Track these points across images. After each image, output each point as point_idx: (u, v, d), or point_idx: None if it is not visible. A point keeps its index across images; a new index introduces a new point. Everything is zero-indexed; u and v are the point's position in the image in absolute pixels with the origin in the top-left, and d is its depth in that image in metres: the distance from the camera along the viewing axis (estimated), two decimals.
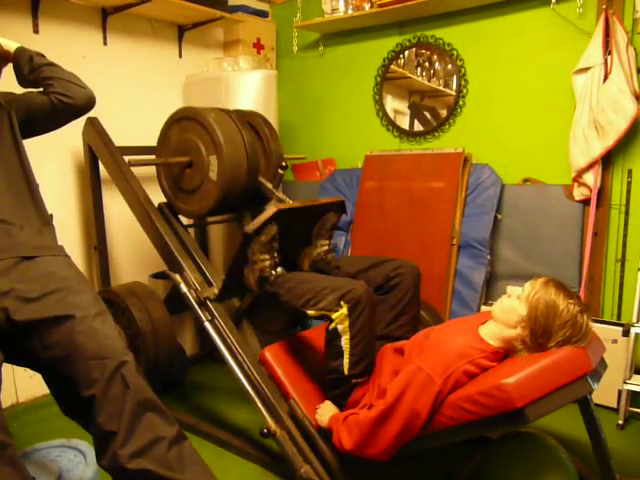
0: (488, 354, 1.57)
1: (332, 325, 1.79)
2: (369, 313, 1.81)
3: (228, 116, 2.46)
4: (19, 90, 1.84)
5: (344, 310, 1.77)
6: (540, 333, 1.51)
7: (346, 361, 1.80)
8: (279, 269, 2.06)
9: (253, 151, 2.45)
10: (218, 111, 2.46)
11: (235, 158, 2.36)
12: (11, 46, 1.81)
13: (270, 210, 2.00)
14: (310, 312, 1.86)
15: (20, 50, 1.81)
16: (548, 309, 1.50)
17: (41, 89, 1.81)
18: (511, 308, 1.58)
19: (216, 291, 2.20)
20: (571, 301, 1.50)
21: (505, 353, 1.60)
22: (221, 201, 2.38)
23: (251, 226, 1.99)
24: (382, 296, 2.05)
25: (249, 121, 2.64)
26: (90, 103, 1.87)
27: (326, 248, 2.29)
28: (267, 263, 2.04)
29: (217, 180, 2.33)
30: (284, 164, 2.67)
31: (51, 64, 1.83)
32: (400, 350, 1.81)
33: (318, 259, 2.27)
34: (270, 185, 2.57)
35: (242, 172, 2.39)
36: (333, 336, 1.81)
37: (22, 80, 1.84)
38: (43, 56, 1.86)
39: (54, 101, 1.77)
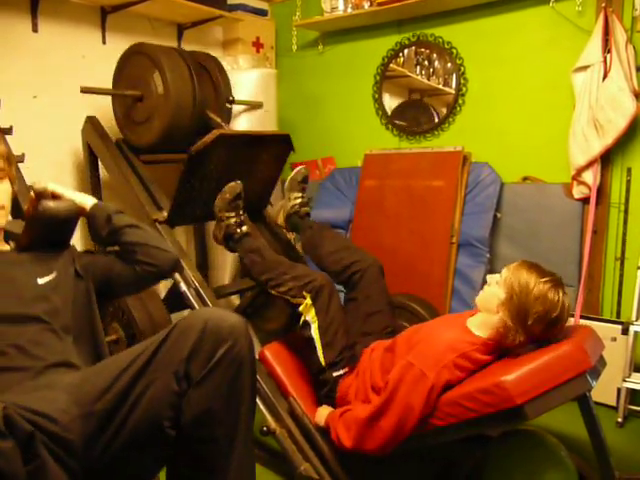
0: (479, 346, 1.58)
1: (302, 319, 1.90)
2: (334, 300, 1.92)
3: (176, 52, 2.62)
4: None
5: (308, 300, 1.88)
6: (516, 312, 1.53)
7: (320, 350, 1.87)
8: (244, 227, 2.16)
9: (200, 84, 2.60)
10: (167, 48, 2.65)
11: (179, 78, 2.51)
12: (86, 203, 1.62)
13: (214, 132, 2.12)
14: (272, 292, 2.00)
15: (96, 208, 1.62)
16: (521, 288, 1.53)
17: (117, 249, 1.64)
18: (491, 294, 1.61)
19: (165, 214, 2.30)
20: (543, 279, 1.53)
21: (496, 344, 1.60)
22: (168, 131, 2.51)
23: (195, 147, 2.08)
24: (349, 292, 2.13)
25: (198, 59, 2.76)
26: (174, 268, 1.72)
27: (299, 201, 2.38)
28: (232, 220, 2.16)
29: (164, 98, 2.48)
30: (231, 98, 2.80)
31: (132, 225, 1.63)
32: (390, 346, 1.82)
33: (292, 212, 2.37)
34: (219, 119, 2.65)
35: (188, 103, 2.54)
36: (305, 329, 1.90)
37: (98, 239, 1.66)
38: (122, 213, 1.66)
39: (137, 270, 1.59)
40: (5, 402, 1.06)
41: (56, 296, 1.45)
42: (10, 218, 1.55)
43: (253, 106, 3.02)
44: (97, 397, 1.21)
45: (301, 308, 1.90)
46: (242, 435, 1.27)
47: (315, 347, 1.87)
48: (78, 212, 1.59)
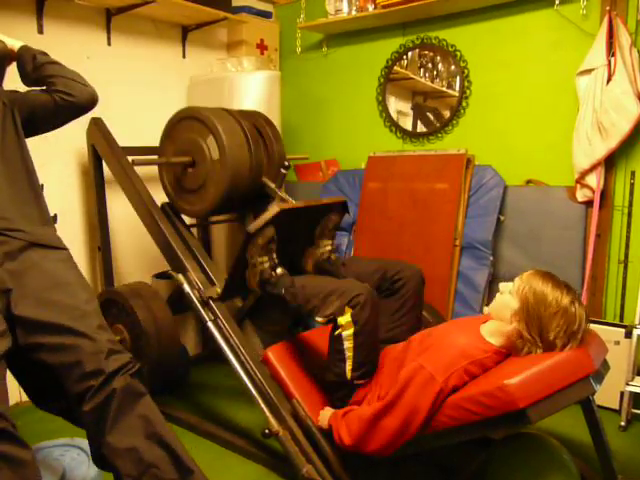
0: (491, 354, 1.57)
1: (337, 331, 1.81)
2: (373, 318, 1.83)
3: (230, 114, 2.47)
4: (23, 88, 1.85)
5: (348, 317, 1.79)
6: (534, 324, 1.51)
7: (349, 367, 1.81)
8: (279, 270, 2.08)
9: (256, 149, 2.46)
10: (220, 110, 2.48)
11: (237, 154, 2.37)
12: (15, 45, 1.82)
13: (273, 209, 2.01)
14: (319, 319, 1.87)
15: (24, 49, 1.82)
16: (537, 299, 1.52)
17: (44, 87, 1.81)
18: (504, 303, 1.60)
19: (219, 290, 2.21)
20: (559, 291, 1.51)
21: (507, 352, 1.60)
22: (224, 199, 2.39)
23: (254, 225, 2.00)
24: (385, 299, 2.06)
25: (252, 121, 2.65)
26: (92, 101, 1.87)
27: (329, 248, 2.30)
28: (266, 265, 2.06)
29: (220, 162, 2.35)
30: (287, 164, 2.67)
31: (54, 62, 1.84)
32: (403, 349, 1.81)
33: (321, 260, 2.28)
34: (273, 185, 2.58)
35: (245, 170, 2.41)
36: (337, 341, 1.82)
37: (25, 78, 1.84)
38: (46, 55, 1.86)
39: (57, 99, 1.78)
40: None
41: None
42: None
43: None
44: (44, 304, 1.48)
45: (340, 321, 1.81)
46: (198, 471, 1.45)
47: (344, 361, 1.81)
48: (7, 53, 1.79)
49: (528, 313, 1.52)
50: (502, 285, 1.66)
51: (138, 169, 2.47)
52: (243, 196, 2.47)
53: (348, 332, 1.79)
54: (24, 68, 1.81)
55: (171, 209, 2.56)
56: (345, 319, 1.79)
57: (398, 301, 2.05)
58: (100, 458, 1.47)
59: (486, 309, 1.71)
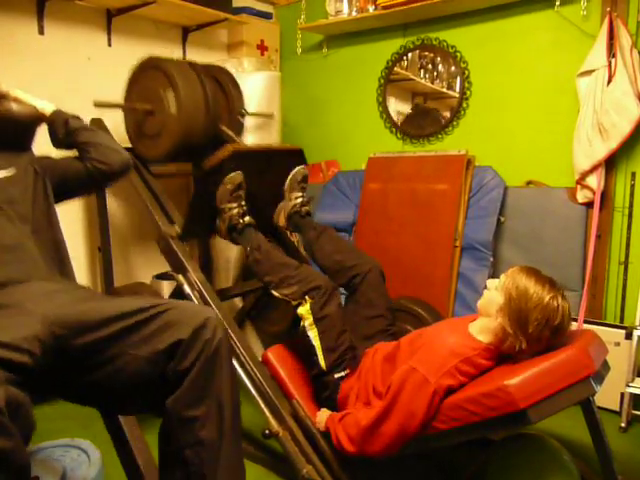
0: (480, 351, 1.58)
1: (301, 323, 1.89)
2: (335, 305, 1.91)
3: (189, 65, 2.58)
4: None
5: (307, 307, 1.88)
6: (515, 317, 1.52)
7: (320, 355, 1.87)
8: (247, 218, 2.17)
9: (212, 94, 2.57)
10: (179, 60, 2.62)
11: (193, 97, 2.47)
12: (46, 108, 1.76)
13: (227, 148, 2.11)
14: (274, 294, 1.99)
15: (56, 113, 1.77)
16: (519, 294, 1.53)
17: (76, 153, 1.76)
18: (490, 299, 1.61)
19: (178, 229, 2.29)
20: (541, 285, 1.52)
21: (497, 350, 1.60)
22: (182, 140, 2.48)
23: (208, 162, 2.08)
24: (350, 295, 2.14)
25: (213, 74, 2.74)
26: (126, 168, 1.81)
27: (300, 200, 2.38)
28: (235, 211, 2.15)
29: (176, 116, 2.44)
30: (243, 111, 2.79)
31: (88, 128, 1.79)
32: (393, 350, 1.82)
33: (293, 212, 2.36)
34: (231, 133, 2.64)
35: (200, 112, 2.50)
36: (303, 334, 1.90)
37: (56, 142, 1.79)
38: (79, 119, 1.81)
39: (90, 168, 1.73)
40: None
41: (14, 189, 1.54)
42: None
43: (265, 117, 3.00)
44: (76, 333, 1.23)
45: (300, 311, 1.90)
46: (228, 436, 1.29)
47: (315, 352, 1.87)
48: (39, 117, 1.73)
49: (510, 307, 1.53)
50: (489, 282, 1.68)
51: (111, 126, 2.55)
52: (201, 142, 2.55)
53: (309, 321, 1.88)
54: (56, 133, 1.76)
55: (135, 157, 2.61)
56: (304, 309, 1.89)
57: (363, 297, 2.10)
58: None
59: None
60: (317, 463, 1.77)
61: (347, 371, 1.88)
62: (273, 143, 2.84)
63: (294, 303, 1.93)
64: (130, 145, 2.67)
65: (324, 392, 1.90)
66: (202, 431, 1.26)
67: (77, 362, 1.24)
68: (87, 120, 2.62)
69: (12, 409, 0.99)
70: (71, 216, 2.83)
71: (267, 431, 1.83)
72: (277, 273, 2.01)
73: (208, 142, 2.58)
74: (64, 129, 1.74)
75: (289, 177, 2.38)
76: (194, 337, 1.25)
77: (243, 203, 2.18)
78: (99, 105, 2.43)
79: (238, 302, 3.09)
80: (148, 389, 1.29)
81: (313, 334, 1.87)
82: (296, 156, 2.42)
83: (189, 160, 2.88)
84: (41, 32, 2.66)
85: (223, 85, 2.76)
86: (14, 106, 1.65)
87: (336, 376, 1.87)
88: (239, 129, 2.81)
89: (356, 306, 2.10)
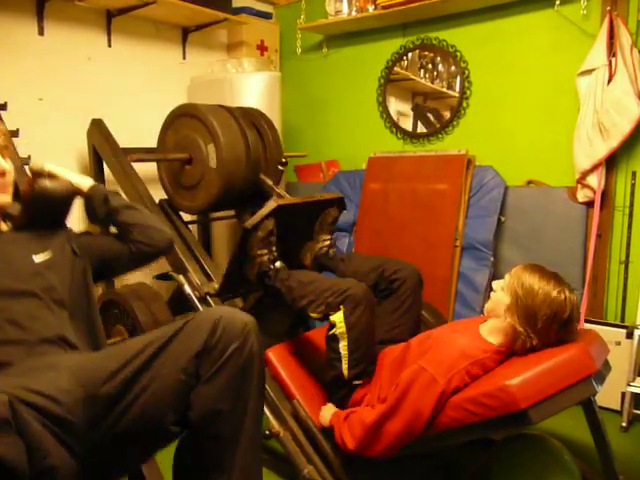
0: (491, 354, 1.57)
1: (332, 330, 1.82)
2: (368, 316, 1.84)
3: (226, 111, 2.50)
4: None
5: (340, 315, 1.81)
6: (524, 315, 1.52)
7: (345, 365, 1.82)
8: (278, 263, 2.09)
9: (253, 144, 2.49)
10: (216, 107, 2.50)
11: (233, 148, 2.40)
12: (82, 183, 1.64)
13: (270, 205, 2.03)
14: (313, 315, 1.90)
15: (94, 189, 1.65)
16: (525, 291, 1.53)
17: (116, 230, 1.67)
18: (497, 300, 1.61)
19: (216, 286, 2.22)
20: (546, 281, 1.53)
21: (508, 351, 1.60)
22: (221, 195, 2.42)
23: (251, 221, 2.03)
24: (383, 299, 2.06)
25: (250, 118, 2.66)
26: (169, 247, 1.73)
27: (328, 243, 2.32)
28: (265, 258, 2.08)
29: (216, 168, 2.36)
30: (284, 160, 2.70)
31: (128, 206, 1.68)
32: (402, 351, 1.81)
33: (320, 254, 2.29)
34: (270, 182, 2.60)
35: (241, 164, 2.43)
36: (332, 340, 1.84)
37: (94, 219, 1.69)
38: (118, 195, 1.71)
39: (133, 249, 1.63)
40: (7, 387, 1.06)
41: (52, 273, 1.47)
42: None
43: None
44: (102, 381, 1.21)
45: (333, 318, 1.83)
46: (249, 433, 1.28)
47: (340, 360, 1.82)
48: (75, 193, 1.62)
49: (518, 306, 1.54)
50: (495, 283, 1.68)
51: (137, 168, 2.47)
52: (240, 194, 2.49)
53: (342, 330, 1.81)
54: (94, 210, 1.64)
55: (169, 206, 2.58)
56: (338, 317, 1.81)
57: (396, 301, 2.04)
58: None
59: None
60: (318, 463, 1.77)
61: (365, 379, 1.85)
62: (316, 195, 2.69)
63: (332, 316, 1.83)
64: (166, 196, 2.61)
65: (336, 395, 1.88)
66: (225, 426, 1.25)
67: (108, 409, 1.21)
68: (87, 121, 2.64)
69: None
70: (72, 216, 2.83)
71: (268, 431, 1.83)
72: (313, 290, 1.92)
73: (248, 191, 2.53)
74: (104, 207, 1.63)
75: (320, 218, 2.31)
76: (212, 336, 1.24)
77: (274, 249, 2.10)
78: (136, 160, 2.36)
79: (239, 302, 3.09)
80: (181, 403, 1.26)
81: (343, 343, 1.82)
82: (336, 203, 2.33)
83: (228, 209, 2.83)
84: (41, 33, 2.66)
85: (261, 131, 2.67)
86: (48, 183, 1.53)
87: (354, 383, 1.84)
88: (278, 177, 2.73)
89: (385, 311, 2.04)
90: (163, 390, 1.23)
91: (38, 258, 1.46)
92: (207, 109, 2.41)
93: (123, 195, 1.71)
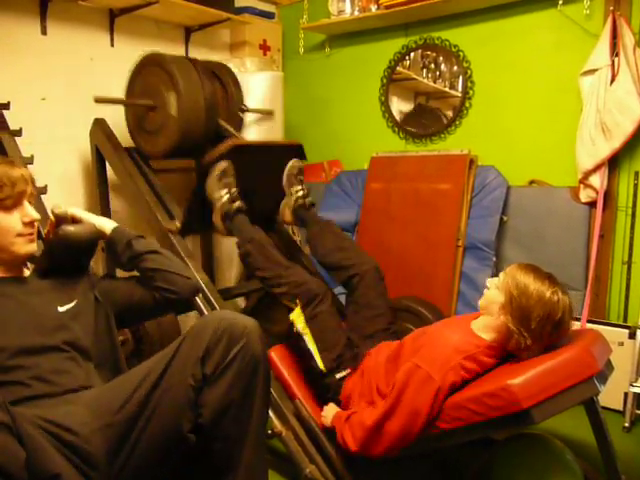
0: (483, 349, 1.58)
1: (294, 329, 1.89)
2: (326, 305, 1.91)
3: (190, 62, 2.59)
4: None
5: (298, 310, 1.88)
6: (518, 315, 1.52)
7: (318, 358, 1.86)
8: (237, 203, 2.16)
9: (212, 91, 2.60)
10: (182, 58, 2.64)
11: (193, 95, 2.49)
12: (105, 226, 1.62)
13: (228, 142, 2.14)
14: (268, 289, 2.03)
15: (116, 232, 1.62)
16: (520, 291, 1.53)
17: (138, 275, 1.64)
18: (491, 298, 1.62)
19: (178, 224, 2.30)
20: (541, 281, 1.53)
21: (500, 347, 1.60)
22: (182, 139, 2.49)
23: (208, 156, 2.10)
24: (348, 297, 2.16)
25: (213, 70, 2.75)
26: (193, 294, 1.71)
27: (301, 193, 2.40)
28: (225, 198, 2.15)
29: (177, 118, 2.45)
30: (244, 107, 2.81)
31: (153, 251, 1.63)
32: (396, 349, 1.81)
33: (297, 206, 2.38)
34: (230, 128, 2.66)
35: (200, 110, 2.52)
36: (298, 339, 1.90)
37: (117, 264, 1.68)
38: (142, 238, 1.66)
39: (157, 297, 1.59)
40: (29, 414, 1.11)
41: (76, 324, 1.45)
42: None
43: (264, 113, 3.01)
44: (117, 409, 1.24)
45: (291, 317, 1.90)
46: (254, 433, 1.29)
47: (312, 354, 1.87)
48: (98, 237, 1.59)
49: (512, 305, 1.54)
50: (489, 280, 1.69)
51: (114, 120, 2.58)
52: (201, 138, 2.57)
53: (302, 324, 1.87)
54: (117, 254, 1.61)
55: (136, 152, 2.65)
56: (295, 314, 1.89)
57: (362, 297, 2.09)
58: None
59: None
60: (320, 463, 1.77)
61: (348, 370, 1.88)
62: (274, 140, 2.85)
63: (285, 302, 1.94)
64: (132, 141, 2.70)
65: (327, 394, 1.90)
66: (233, 426, 1.27)
67: (126, 434, 1.23)
68: (89, 120, 2.65)
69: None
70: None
71: (270, 431, 1.83)
72: (269, 270, 2.02)
73: (208, 139, 2.60)
74: (128, 251, 1.60)
75: (285, 173, 2.39)
76: (215, 339, 1.26)
77: (233, 190, 2.17)
78: (100, 101, 2.43)
79: (241, 302, 3.09)
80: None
81: (308, 337, 1.87)
82: (295, 151, 2.43)
83: (191, 157, 2.89)
84: (44, 32, 2.67)
85: (223, 82, 2.78)
86: (72, 228, 1.51)
87: (337, 376, 1.87)
88: (239, 125, 2.83)
89: (356, 306, 2.11)
90: (176, 401, 1.24)
91: (62, 308, 1.45)
92: (171, 59, 2.52)
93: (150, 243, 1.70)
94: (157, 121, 2.54)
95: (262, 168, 2.33)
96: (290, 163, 2.40)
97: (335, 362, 1.86)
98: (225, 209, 2.15)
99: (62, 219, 1.51)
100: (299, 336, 1.89)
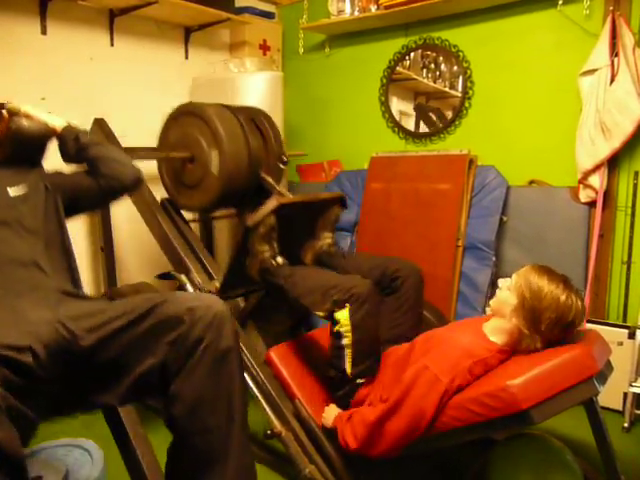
0: (494, 353, 1.57)
1: (336, 327, 1.81)
2: (372, 314, 1.83)
3: (229, 111, 2.49)
4: None
5: (346, 312, 1.79)
6: (530, 317, 1.52)
7: (349, 362, 1.81)
8: (279, 259, 2.10)
9: (255, 145, 2.50)
10: (219, 106, 2.49)
11: (236, 152, 2.40)
12: (56, 123, 1.76)
13: (272, 203, 2.04)
14: (318, 314, 1.88)
15: (66, 129, 1.77)
16: (532, 294, 1.52)
17: (86, 168, 1.77)
18: (503, 300, 1.60)
19: (217, 284, 2.22)
20: (555, 284, 1.52)
21: (511, 350, 1.59)
22: (222, 195, 2.42)
23: (252, 218, 2.03)
24: (384, 298, 2.05)
25: (250, 116, 2.66)
26: (137, 183, 1.82)
27: (329, 241, 2.32)
28: (267, 254, 2.08)
29: (218, 174, 2.37)
30: (285, 159, 2.71)
31: (97, 144, 1.79)
32: (406, 351, 1.81)
33: (321, 252, 2.29)
34: (271, 180, 2.60)
35: (243, 166, 2.43)
36: (336, 337, 1.83)
37: (67, 158, 1.80)
38: (89, 133, 1.83)
39: (101, 184, 1.73)
40: None
41: (25, 207, 1.56)
42: None
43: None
44: (84, 331, 1.27)
45: (337, 315, 1.81)
46: (238, 423, 1.30)
47: (344, 357, 1.82)
48: (49, 132, 1.74)
49: (524, 308, 1.53)
50: (501, 281, 1.66)
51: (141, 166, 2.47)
52: (241, 191, 2.50)
53: (347, 328, 1.80)
54: (66, 149, 1.77)
55: (170, 205, 2.58)
56: (343, 315, 1.80)
57: (398, 300, 2.04)
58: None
59: (488, 310, 1.71)
60: (320, 463, 1.77)
61: (368, 378, 1.85)
62: (318, 193, 2.66)
63: (337, 313, 1.82)
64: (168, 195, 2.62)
65: (339, 391, 1.87)
66: (211, 418, 1.26)
67: (83, 363, 1.27)
68: (90, 120, 2.64)
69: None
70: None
71: (269, 431, 1.84)
72: (318, 288, 1.90)
73: (250, 190, 2.54)
74: (75, 145, 1.74)
75: (323, 216, 2.31)
76: (192, 322, 1.27)
77: (275, 245, 2.11)
78: (138, 158, 2.32)
79: (240, 302, 3.09)
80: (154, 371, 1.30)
81: (347, 341, 1.81)
82: (337, 202, 2.33)
83: (231, 207, 2.84)
84: (44, 32, 2.67)
85: (263, 132, 2.66)
86: (25, 122, 1.67)
87: (358, 382, 1.84)
88: (279, 176, 2.73)
89: (386, 307, 2.03)
90: (137, 351, 1.29)
91: (13, 192, 1.56)
92: (214, 112, 2.40)
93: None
94: (196, 175, 2.44)
95: (303, 220, 2.25)
96: (331, 209, 2.31)
97: (363, 371, 1.83)
98: (265, 265, 2.08)
99: (15, 114, 1.66)
100: (339, 335, 1.81)
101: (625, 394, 2.36)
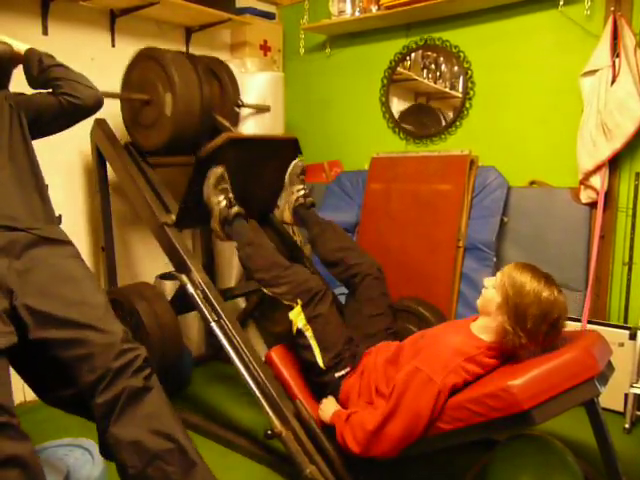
0: (483, 350, 1.58)
1: (294, 327, 1.89)
2: (325, 303, 1.92)
3: (188, 59, 2.62)
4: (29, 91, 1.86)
5: (298, 309, 1.89)
6: (514, 314, 1.52)
7: (318, 354, 1.87)
8: (235, 208, 2.19)
9: (208, 91, 2.63)
10: (179, 53, 2.66)
11: (189, 96, 2.53)
12: (21, 47, 1.83)
13: (222, 136, 2.15)
14: (266, 291, 2.01)
15: (30, 51, 1.83)
16: (516, 291, 1.53)
17: (50, 90, 1.83)
18: (488, 298, 1.62)
19: (173, 217, 2.32)
20: (537, 281, 1.53)
21: (500, 347, 1.60)
22: (175, 135, 2.54)
23: (204, 149, 2.14)
24: (348, 296, 2.18)
25: (209, 66, 2.78)
26: (98, 103, 1.89)
27: (302, 192, 2.43)
28: (223, 204, 2.17)
29: (171, 115, 2.50)
30: (240, 102, 2.85)
31: (60, 65, 1.86)
32: (396, 350, 1.81)
33: (297, 205, 2.41)
34: (227, 123, 2.69)
35: (195, 109, 2.57)
36: (299, 337, 1.90)
37: (31, 81, 1.86)
38: (52, 57, 1.88)
39: (62, 102, 1.80)
40: None
41: None
42: None
43: (261, 109, 3.02)
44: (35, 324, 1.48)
45: (290, 316, 1.91)
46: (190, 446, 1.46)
47: (313, 351, 1.88)
48: (14, 55, 1.81)
49: (508, 305, 1.54)
50: (486, 280, 1.68)
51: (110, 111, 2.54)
52: (195, 134, 2.61)
53: (303, 322, 1.89)
54: (30, 71, 1.83)
55: (134, 148, 2.68)
56: (295, 313, 1.90)
57: (363, 296, 2.12)
58: (106, 448, 1.50)
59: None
60: (320, 463, 1.77)
61: (347, 369, 1.89)
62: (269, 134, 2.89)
63: (285, 303, 1.95)
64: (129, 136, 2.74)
65: (325, 392, 1.91)
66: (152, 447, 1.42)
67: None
68: (90, 120, 2.64)
69: None
70: (74, 215, 2.84)
71: (270, 431, 1.84)
72: (268, 271, 2.02)
73: (205, 134, 2.62)
74: (38, 67, 1.81)
75: (288, 171, 2.43)
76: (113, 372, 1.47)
77: (230, 196, 2.19)
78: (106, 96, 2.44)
79: (241, 302, 3.09)
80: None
81: (309, 334, 1.88)
82: (291, 146, 2.46)
83: (188, 153, 2.87)
84: (45, 33, 2.67)
85: (220, 78, 2.81)
86: None
87: (336, 375, 1.88)
88: (235, 121, 2.87)
89: (357, 304, 2.12)
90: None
91: None
92: (171, 58, 2.54)
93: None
94: (151, 116, 2.58)
95: (257, 163, 2.35)
96: (293, 162, 2.44)
97: (334, 360, 1.87)
98: (224, 215, 2.17)
99: None
100: (300, 333, 1.89)
101: (626, 395, 2.35)
